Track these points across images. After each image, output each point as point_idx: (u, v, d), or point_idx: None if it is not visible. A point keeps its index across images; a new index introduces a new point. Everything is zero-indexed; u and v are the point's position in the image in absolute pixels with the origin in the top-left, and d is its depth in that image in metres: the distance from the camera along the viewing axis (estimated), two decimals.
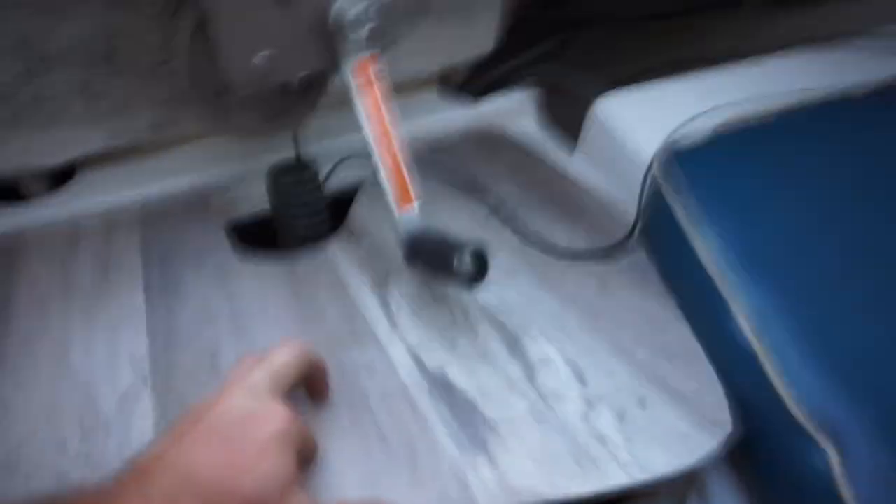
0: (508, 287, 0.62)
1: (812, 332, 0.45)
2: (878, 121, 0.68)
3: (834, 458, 0.38)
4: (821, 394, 0.41)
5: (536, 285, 0.63)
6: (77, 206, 0.77)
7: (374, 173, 0.59)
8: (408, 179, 0.58)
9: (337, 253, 0.69)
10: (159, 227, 0.74)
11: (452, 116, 0.91)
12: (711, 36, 0.99)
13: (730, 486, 0.50)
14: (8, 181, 0.75)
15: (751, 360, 0.46)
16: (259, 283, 0.65)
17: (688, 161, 0.65)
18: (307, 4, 0.57)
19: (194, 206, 0.78)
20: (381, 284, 0.64)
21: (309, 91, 0.64)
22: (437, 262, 0.52)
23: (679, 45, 0.99)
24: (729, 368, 0.48)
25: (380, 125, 0.58)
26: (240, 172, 0.83)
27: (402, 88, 0.91)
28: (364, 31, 0.57)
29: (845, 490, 0.37)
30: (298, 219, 0.70)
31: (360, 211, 0.75)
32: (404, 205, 0.58)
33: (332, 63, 0.61)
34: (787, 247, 0.53)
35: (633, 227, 0.67)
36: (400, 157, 0.58)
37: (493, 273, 0.53)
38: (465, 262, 0.49)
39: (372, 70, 0.58)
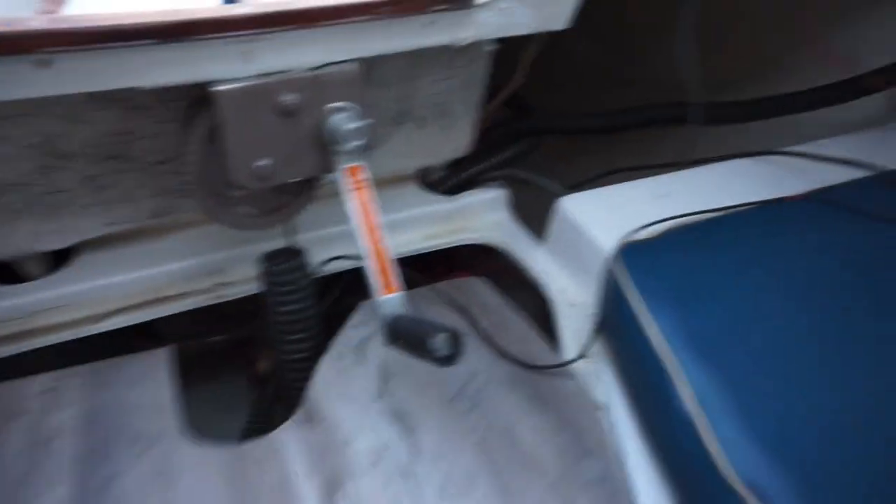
0: None
1: (746, 406, 0.52)
2: (808, 222, 0.78)
3: None
4: (751, 460, 0.47)
5: None
6: (72, 289, 0.81)
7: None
8: (390, 269, 0.65)
9: (289, 444, 0.69)
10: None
11: (432, 210, 1.00)
12: (659, 147, 1.11)
13: None
14: (8, 263, 0.80)
15: (687, 426, 0.52)
16: (198, 478, 0.64)
17: (641, 256, 0.73)
18: (307, 118, 0.65)
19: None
20: (330, 490, 0.63)
21: (302, 191, 0.72)
22: (415, 342, 0.58)
23: (631, 155, 1.11)
24: (669, 430, 0.54)
25: (366, 222, 0.66)
26: (232, 256, 0.90)
27: (383, 183, 1.00)
28: (355, 144, 0.65)
29: None
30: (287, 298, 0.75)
31: (318, 388, 0.75)
32: (387, 292, 0.64)
33: (323, 169, 0.69)
34: (728, 331, 0.61)
35: (599, 311, 0.75)
36: (383, 250, 0.65)
37: None
38: (441, 344, 0.55)
39: (360, 176, 0.66)
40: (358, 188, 0.66)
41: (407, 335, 0.60)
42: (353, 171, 0.67)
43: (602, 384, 0.71)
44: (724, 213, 0.80)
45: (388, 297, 0.64)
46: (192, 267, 0.86)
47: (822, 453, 0.47)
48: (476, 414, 0.71)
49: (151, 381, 0.77)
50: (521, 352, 0.78)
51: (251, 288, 0.88)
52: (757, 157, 0.98)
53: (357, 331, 0.83)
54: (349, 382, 0.76)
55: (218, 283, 0.87)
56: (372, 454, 0.68)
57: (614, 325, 0.71)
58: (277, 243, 0.80)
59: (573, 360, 0.73)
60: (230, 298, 0.87)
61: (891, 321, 0.60)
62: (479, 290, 0.93)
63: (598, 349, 0.75)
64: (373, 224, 0.65)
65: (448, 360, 0.55)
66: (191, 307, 0.85)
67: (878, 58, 1.04)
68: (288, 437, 0.71)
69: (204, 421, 1.12)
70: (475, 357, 0.78)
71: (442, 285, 0.92)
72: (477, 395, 0.73)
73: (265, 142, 0.65)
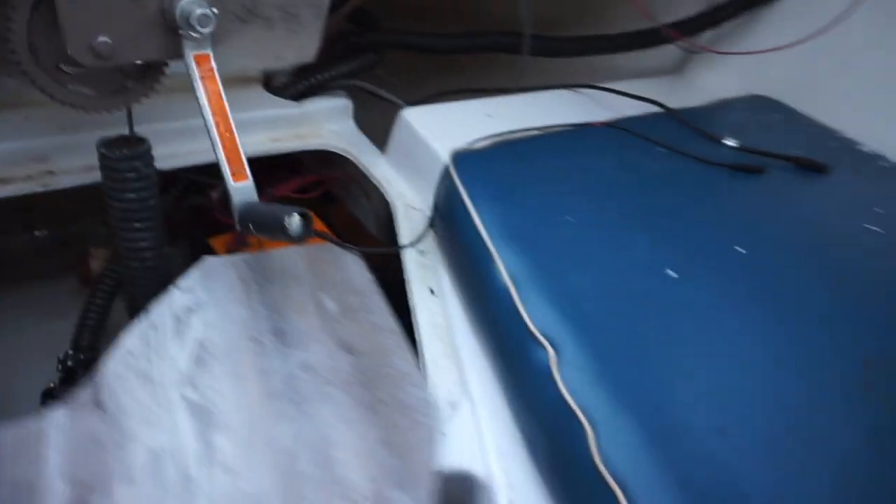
0: None
1: (547, 278, 0.64)
2: (607, 143, 0.92)
3: (552, 356, 0.56)
4: (547, 314, 0.60)
5: None
6: None
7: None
8: (242, 157, 0.67)
9: (55, 435, 0.58)
10: None
11: (277, 113, 1.01)
12: (492, 74, 1.22)
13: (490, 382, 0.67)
14: None
15: (505, 294, 0.63)
16: None
17: (470, 163, 0.83)
18: None
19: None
20: (74, 501, 0.52)
21: (145, 75, 0.71)
22: (269, 223, 0.62)
23: (467, 78, 1.20)
24: (490, 299, 0.65)
25: (219, 110, 0.67)
26: (60, 144, 0.85)
27: (229, 82, 0.99)
28: (204, 30, 0.65)
29: (558, 377, 0.55)
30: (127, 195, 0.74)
31: (117, 363, 0.64)
32: (238, 179, 0.67)
33: (169, 54, 0.68)
34: (537, 224, 0.72)
35: (434, 211, 0.83)
36: (234, 138, 0.67)
37: None
38: (296, 221, 0.60)
39: (208, 64, 0.67)
40: (206, 76, 0.66)
41: (261, 218, 0.64)
42: (201, 58, 0.67)
43: (435, 274, 0.80)
44: (541, 133, 0.92)
45: (240, 183, 0.67)
46: (14, 150, 0.81)
47: (602, 308, 0.60)
48: (294, 418, 0.60)
49: None
50: (369, 348, 0.67)
51: (81, 179, 0.85)
52: (573, 90, 1.12)
53: (185, 296, 0.70)
54: (156, 360, 0.64)
55: (44, 171, 0.83)
56: (151, 457, 0.56)
57: (445, 221, 0.81)
58: (108, 133, 0.77)
59: (407, 245, 0.81)
60: (57, 188, 0.83)
61: (661, 214, 0.75)
62: (348, 267, 0.78)
63: (432, 245, 0.84)
64: (224, 111, 0.67)
65: (301, 237, 0.60)
66: (12, 194, 0.80)
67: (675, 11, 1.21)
68: (58, 425, 0.59)
69: (30, 325, 1.06)
70: (316, 347, 0.66)
71: (313, 250, 0.79)
72: (302, 394, 0.62)
73: (105, 17, 0.63)
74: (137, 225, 0.76)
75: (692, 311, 0.62)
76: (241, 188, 0.67)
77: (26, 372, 0.99)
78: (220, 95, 0.67)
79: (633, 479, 0.48)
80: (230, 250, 0.98)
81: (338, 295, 0.73)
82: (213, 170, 0.95)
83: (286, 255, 0.78)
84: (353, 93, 1.10)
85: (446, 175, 0.81)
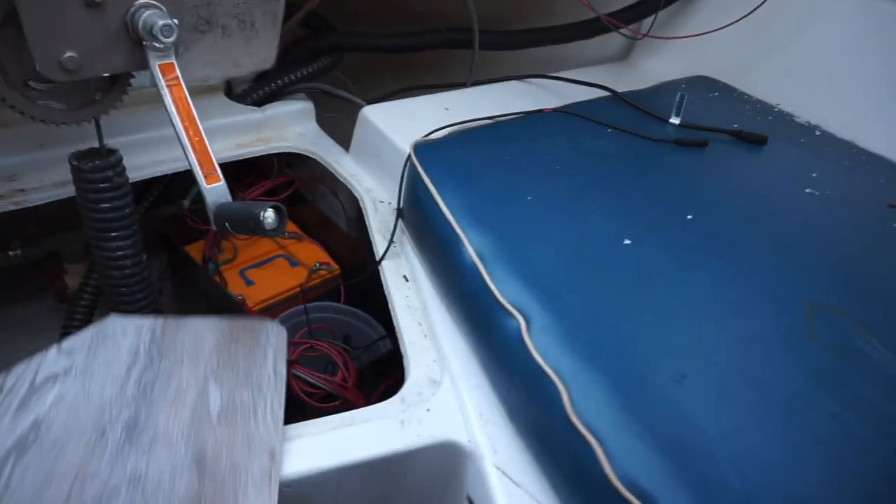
0: None
1: (510, 253, 0.67)
2: (557, 127, 0.96)
3: (522, 325, 0.59)
4: (514, 286, 0.63)
5: None
6: None
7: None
8: (213, 159, 0.69)
9: None
10: None
11: (240, 119, 1.02)
12: (445, 70, 1.25)
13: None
14: None
15: (473, 271, 0.66)
16: None
17: (431, 154, 0.85)
18: (115, 10, 0.65)
19: None
20: None
21: (113, 87, 0.71)
22: (244, 220, 0.64)
23: (422, 76, 1.23)
24: (460, 278, 0.68)
25: (187, 115, 0.68)
26: (28, 161, 0.85)
27: (191, 93, 1.00)
28: (167, 40, 0.67)
29: (529, 343, 0.58)
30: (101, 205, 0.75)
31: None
32: (211, 181, 0.68)
33: (135, 65, 0.69)
34: (497, 204, 0.75)
35: (401, 201, 0.86)
36: (205, 142, 0.69)
37: None
38: (271, 215, 0.62)
39: (173, 73, 0.68)
40: (172, 84, 0.68)
41: (236, 215, 0.65)
42: (166, 68, 0.68)
43: (408, 261, 0.83)
44: (495, 121, 0.95)
45: (213, 185, 0.68)
46: None
47: (565, 277, 0.63)
48: None
49: None
50: (225, 469, 0.54)
51: (52, 194, 0.85)
52: (525, 80, 1.16)
53: (59, 359, 0.62)
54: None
55: (15, 190, 0.83)
56: None
57: (413, 210, 0.83)
58: (78, 147, 0.78)
59: (383, 257, 0.83)
60: (28, 205, 0.83)
61: (614, 189, 0.79)
62: (262, 351, 0.66)
63: (401, 235, 0.87)
64: (191, 116, 0.68)
65: (277, 230, 0.62)
66: None
67: (616, 1, 1.26)
68: None
69: (8, 345, 1.05)
70: (163, 455, 0.54)
71: (238, 325, 0.69)
72: None
73: (71, 33, 0.64)
74: (114, 234, 0.76)
75: (648, 273, 0.66)
76: (215, 189, 0.68)
77: None
78: (188, 101, 0.68)
79: (606, 430, 0.51)
80: (206, 258, 0.99)
81: (231, 387, 0.61)
82: (183, 178, 0.97)
83: (201, 327, 0.67)
84: (313, 95, 1.11)
85: (410, 166, 0.83)
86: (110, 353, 0.63)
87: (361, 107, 1.02)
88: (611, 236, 0.70)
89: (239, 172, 1.07)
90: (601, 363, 0.56)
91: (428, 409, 0.62)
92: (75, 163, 0.72)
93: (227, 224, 0.67)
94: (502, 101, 1.03)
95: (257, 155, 1.01)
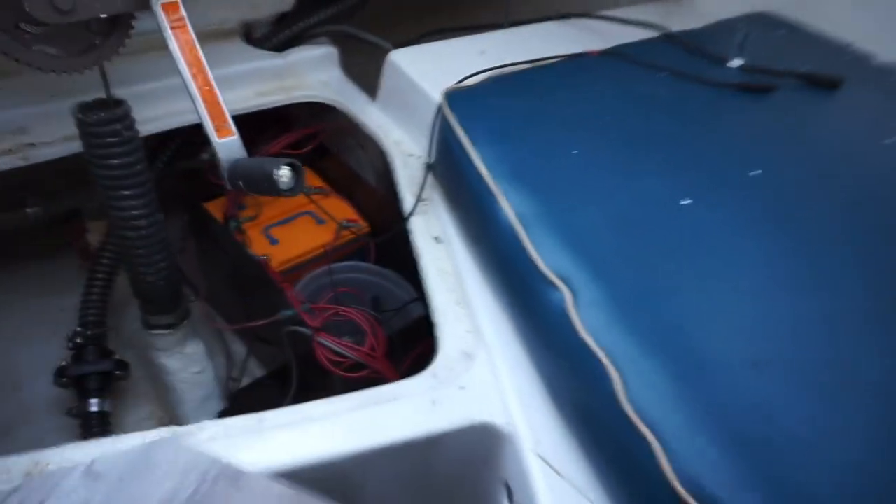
0: None
1: (553, 215, 0.59)
2: (603, 72, 0.86)
3: (568, 298, 0.52)
4: (558, 254, 0.55)
5: None
6: None
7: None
8: (225, 112, 0.62)
9: None
10: None
11: (260, 66, 0.94)
12: (483, 8, 1.14)
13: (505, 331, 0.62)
14: None
15: (512, 236, 0.58)
16: None
17: (465, 102, 0.76)
18: None
19: None
20: None
21: (113, 30, 0.64)
22: (257, 179, 0.57)
23: (456, 15, 1.12)
24: (497, 242, 0.61)
25: (194, 62, 0.61)
26: (37, 113, 0.79)
27: (206, 37, 0.92)
28: None
29: (576, 319, 0.51)
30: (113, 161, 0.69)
31: None
32: (223, 135, 0.61)
33: (135, 5, 0.62)
34: (539, 159, 0.67)
35: (431, 155, 0.78)
36: (216, 92, 0.61)
37: None
38: (285, 173, 0.55)
39: (177, 14, 0.60)
40: (177, 26, 0.60)
41: (249, 174, 0.59)
42: (169, 7, 0.61)
43: (438, 220, 0.75)
44: (536, 66, 0.85)
45: (225, 139, 0.62)
46: None
47: (616, 243, 0.55)
48: None
49: None
50: None
51: (63, 149, 0.79)
52: (568, 20, 1.04)
53: None
54: None
55: (24, 144, 0.77)
56: None
57: (444, 165, 0.75)
58: (87, 98, 0.71)
59: (411, 213, 0.76)
60: (39, 161, 0.77)
61: (669, 141, 0.69)
62: None
63: (432, 192, 0.79)
64: (200, 64, 0.61)
65: (293, 190, 0.55)
66: None
67: None
68: None
69: (35, 302, 1.02)
70: None
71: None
72: None
73: None
74: (126, 192, 0.71)
75: (710, 240, 0.58)
76: (227, 144, 0.62)
77: (38, 349, 0.96)
78: (195, 46, 0.61)
79: (664, 422, 0.45)
80: (227, 216, 0.93)
81: None
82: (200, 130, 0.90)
83: (261, 494, 0.49)
84: (337, 39, 1.02)
85: (441, 117, 0.75)
86: (140, 491, 0.49)
87: (389, 51, 0.92)
88: (666, 196, 0.62)
89: (261, 124, 1.00)
90: (659, 344, 0.49)
91: (461, 387, 0.56)
92: (80, 115, 0.66)
93: (240, 183, 0.60)
94: (543, 44, 0.93)
95: (278, 105, 0.94)
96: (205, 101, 0.61)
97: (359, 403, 0.55)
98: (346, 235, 0.92)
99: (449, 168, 0.74)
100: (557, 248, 0.56)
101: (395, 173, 0.84)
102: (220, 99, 0.61)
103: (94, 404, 0.84)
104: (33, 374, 0.93)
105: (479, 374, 0.58)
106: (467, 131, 0.70)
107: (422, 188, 0.78)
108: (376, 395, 0.55)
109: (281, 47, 0.98)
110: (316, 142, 1.01)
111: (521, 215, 0.60)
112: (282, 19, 0.99)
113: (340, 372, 0.70)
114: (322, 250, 0.90)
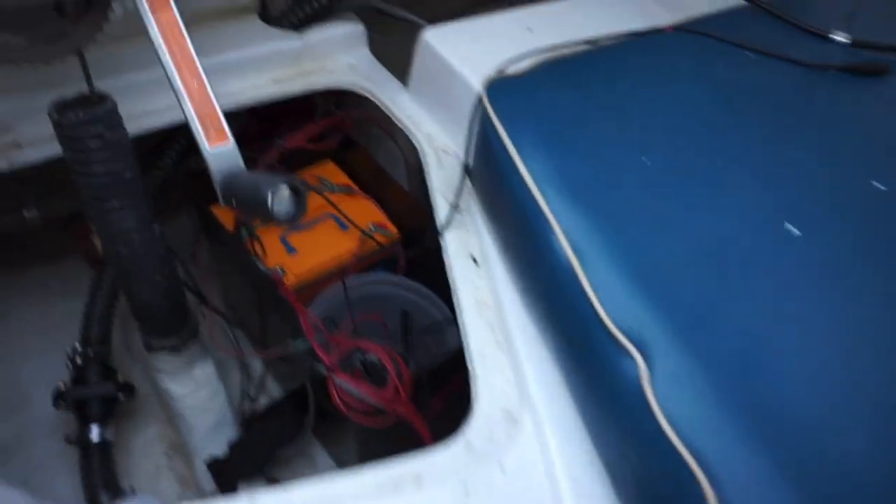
0: None
1: (622, 247, 0.46)
2: (681, 54, 0.71)
3: (641, 368, 0.39)
4: (628, 302, 0.42)
5: None
6: None
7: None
8: (217, 112, 0.50)
9: None
10: None
11: (276, 48, 0.82)
12: None
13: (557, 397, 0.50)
14: None
15: (567, 273, 0.46)
16: None
17: (511, 93, 0.63)
18: None
19: None
20: None
21: (87, 12, 0.53)
22: (249, 200, 0.46)
23: None
24: (547, 278, 0.48)
25: (180, 49, 0.49)
26: (24, 108, 0.69)
27: (216, 15, 0.81)
28: None
29: (652, 399, 0.38)
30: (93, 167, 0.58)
31: None
32: (215, 141, 0.50)
33: None
34: (602, 172, 0.54)
35: (469, 155, 0.65)
36: (207, 87, 0.50)
37: None
38: (283, 200, 0.43)
39: None
40: (158, 6, 0.49)
41: (242, 193, 0.47)
42: None
43: (476, 236, 0.63)
44: (596, 46, 0.71)
45: (218, 147, 0.50)
46: None
47: (704, 287, 0.42)
48: None
49: None
50: None
51: (54, 149, 0.69)
52: None
53: None
54: None
55: (8, 144, 0.68)
56: None
57: (485, 170, 0.62)
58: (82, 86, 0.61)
59: (445, 226, 0.63)
60: (25, 165, 0.68)
61: (765, 144, 0.55)
62: None
63: (469, 199, 0.67)
64: (186, 52, 0.49)
65: (290, 217, 0.44)
66: None
67: None
68: None
69: (38, 308, 0.95)
70: None
71: None
72: None
73: None
74: (114, 203, 0.60)
75: (830, 287, 0.44)
76: (220, 153, 0.50)
77: (42, 359, 0.89)
78: (180, 30, 0.49)
79: None
80: (239, 221, 0.82)
81: None
82: None
83: None
84: (365, 15, 0.89)
85: (481, 110, 0.62)
86: None
87: (423, 28, 0.79)
88: (768, 220, 0.48)
89: (277, 112, 0.88)
90: (771, 445, 0.36)
91: (503, 470, 0.44)
92: (54, 116, 0.56)
93: (233, 201, 0.49)
94: (604, 18, 0.78)
95: (297, 94, 0.82)
96: (191, 98, 0.49)
97: (371, 486, 0.43)
98: (372, 244, 0.81)
99: (489, 174, 0.61)
100: (626, 293, 0.43)
101: (427, 173, 0.72)
102: (212, 95, 0.50)
103: (95, 432, 0.76)
104: (38, 386, 0.86)
105: (525, 447, 0.46)
106: (512, 132, 0.57)
107: (457, 195, 0.65)
108: (394, 474, 0.44)
109: (301, 25, 0.86)
110: (341, 136, 0.89)
111: (579, 246, 0.47)
112: None
113: (360, 417, 0.59)
114: (346, 259, 0.80)
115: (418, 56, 0.78)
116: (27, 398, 0.89)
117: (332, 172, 0.91)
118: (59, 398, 0.77)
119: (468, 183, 0.67)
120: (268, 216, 0.44)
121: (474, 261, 0.61)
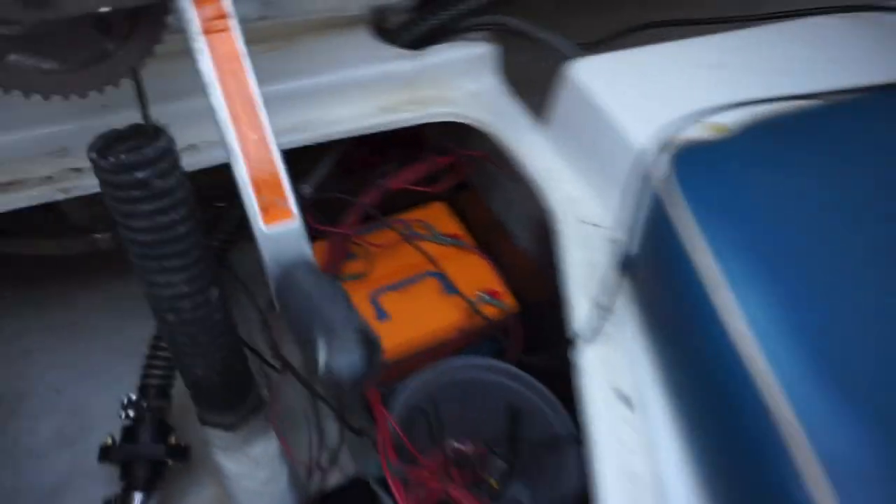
0: None
1: (822, 358, 0.26)
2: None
3: None
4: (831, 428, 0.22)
5: None
6: None
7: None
8: (282, 178, 0.35)
9: None
10: None
11: (388, 70, 0.66)
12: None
13: None
14: None
15: (748, 382, 0.26)
16: None
17: (693, 159, 0.44)
18: None
19: None
20: None
21: (135, 30, 0.39)
22: (300, 334, 0.30)
23: (668, 5, 0.76)
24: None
25: (239, 88, 0.34)
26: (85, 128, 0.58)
27: (323, 27, 0.66)
28: None
29: None
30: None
31: None
32: (273, 219, 0.35)
33: None
34: (799, 265, 0.34)
35: (631, 241, 0.46)
36: (270, 143, 0.35)
37: None
38: (338, 358, 0.26)
39: (218, 7, 0.34)
40: (214, 29, 0.34)
41: (297, 311, 0.32)
42: None
43: (630, 360, 0.44)
44: (826, 102, 0.49)
45: (276, 226, 0.35)
46: (23, 141, 0.55)
47: None
48: None
49: None
50: None
51: None
52: (857, 14, 0.65)
53: None
54: None
55: (67, 169, 0.57)
56: None
57: (657, 270, 0.43)
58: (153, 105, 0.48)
59: (584, 337, 0.45)
60: (86, 193, 0.57)
61: None
62: None
63: (624, 301, 0.47)
64: (247, 94, 0.34)
65: (351, 382, 0.27)
66: (25, 204, 0.56)
67: None
68: None
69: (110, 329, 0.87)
70: None
71: None
72: None
73: None
74: (163, 264, 0.47)
75: None
76: (279, 236, 0.35)
77: (113, 384, 0.80)
78: (242, 65, 0.34)
79: None
80: (329, 265, 0.68)
81: None
82: (302, 154, 0.65)
83: None
84: (498, 36, 0.72)
85: (656, 187, 0.43)
86: None
87: (569, 57, 0.61)
88: None
89: (382, 145, 0.73)
90: None
91: None
92: (93, 155, 0.43)
93: (285, 313, 0.33)
94: (817, 56, 0.56)
95: (409, 125, 0.66)
96: (247, 158, 0.34)
97: None
98: (479, 320, 0.64)
99: (664, 279, 0.42)
100: (827, 412, 0.23)
101: (562, 249, 0.53)
102: (276, 154, 0.35)
103: (137, 501, 0.65)
104: (103, 415, 0.77)
105: None
106: (709, 230, 0.37)
107: (610, 295, 0.46)
108: None
109: (420, 43, 0.70)
110: (456, 179, 0.73)
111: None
112: (425, 4, 0.71)
113: None
114: (449, 334, 0.63)
115: (563, 93, 0.60)
116: (89, 429, 0.80)
117: (441, 217, 0.75)
118: (105, 454, 0.66)
119: (625, 280, 0.47)
120: (314, 366, 0.28)
121: (623, 399, 0.42)
